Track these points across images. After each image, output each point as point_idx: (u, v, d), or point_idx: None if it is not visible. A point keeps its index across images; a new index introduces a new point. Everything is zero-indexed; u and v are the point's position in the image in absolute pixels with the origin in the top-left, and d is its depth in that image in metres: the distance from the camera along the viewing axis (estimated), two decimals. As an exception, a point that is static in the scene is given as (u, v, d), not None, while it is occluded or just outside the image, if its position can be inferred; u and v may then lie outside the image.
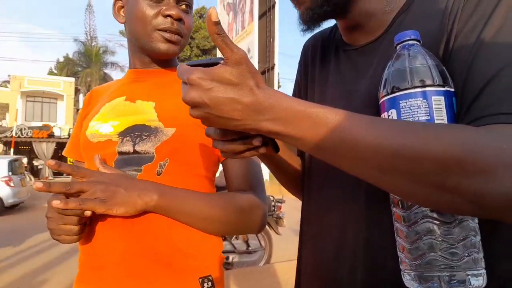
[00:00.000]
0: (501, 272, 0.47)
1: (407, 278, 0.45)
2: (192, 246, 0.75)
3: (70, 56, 29.27)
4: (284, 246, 4.88)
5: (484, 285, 0.42)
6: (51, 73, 31.18)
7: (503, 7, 0.46)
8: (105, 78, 28.48)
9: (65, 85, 24.71)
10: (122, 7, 0.87)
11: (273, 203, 3.85)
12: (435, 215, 0.43)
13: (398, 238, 0.47)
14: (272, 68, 9.86)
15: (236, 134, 0.49)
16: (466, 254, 0.42)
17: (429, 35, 0.51)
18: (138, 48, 0.85)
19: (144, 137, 0.76)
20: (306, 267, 0.68)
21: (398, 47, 0.49)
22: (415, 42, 0.49)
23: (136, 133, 0.76)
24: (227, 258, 3.50)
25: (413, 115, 0.45)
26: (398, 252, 0.47)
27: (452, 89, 0.46)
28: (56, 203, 0.62)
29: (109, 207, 0.66)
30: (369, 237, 0.54)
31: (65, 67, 28.88)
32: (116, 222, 0.71)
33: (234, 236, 3.62)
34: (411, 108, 0.45)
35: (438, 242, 0.42)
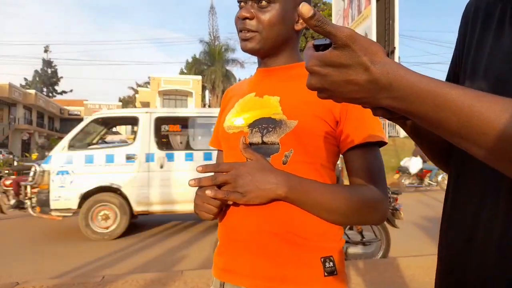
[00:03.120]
0: None
1: None
2: (316, 229, 0.80)
3: (197, 56, 32.38)
4: (404, 241, 4.62)
5: None
6: (181, 73, 35.05)
7: None
8: (227, 75, 30.68)
9: (193, 83, 27.53)
10: None
11: (389, 195, 3.66)
12: None
13: None
14: (392, 52, 9.22)
15: None
16: None
17: None
18: None
19: (270, 129, 0.83)
20: (441, 251, 0.63)
21: None
22: None
23: (264, 125, 0.84)
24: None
25: None
26: None
27: None
28: (208, 192, 0.78)
29: (247, 200, 0.78)
30: (504, 230, 0.48)
31: (193, 67, 32.07)
32: (252, 205, 0.81)
33: (348, 227, 3.57)
34: None
35: None
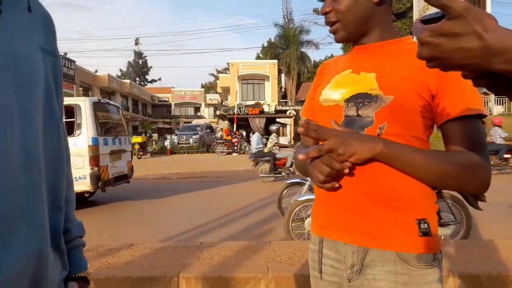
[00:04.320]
0: None
1: None
2: (411, 192, 0.84)
3: (272, 40, 32.49)
4: (490, 224, 4.47)
5: None
6: (258, 57, 35.51)
7: None
8: (302, 57, 30.30)
9: (270, 67, 27.80)
10: None
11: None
12: None
13: None
14: None
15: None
16: None
17: None
18: None
19: (366, 103, 0.87)
20: None
21: None
22: None
23: (359, 100, 0.88)
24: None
25: None
26: None
27: None
28: (301, 156, 0.85)
29: (342, 152, 0.81)
30: None
31: (269, 51, 32.27)
32: (350, 168, 0.85)
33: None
34: None
35: None
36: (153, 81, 51.01)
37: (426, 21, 0.47)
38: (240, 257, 3.15)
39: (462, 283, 2.67)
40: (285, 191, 4.87)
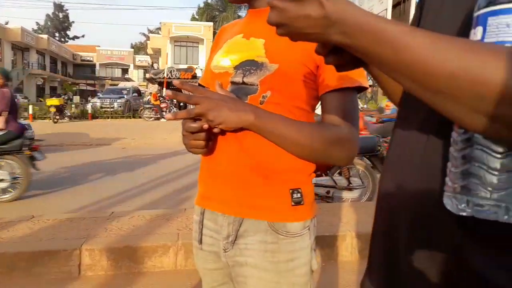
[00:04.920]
0: None
1: (445, 199, 0.46)
2: (285, 163, 0.85)
3: (209, 1, 31.31)
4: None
5: None
6: (193, 19, 34.13)
7: None
8: (239, 21, 29.73)
9: (205, 29, 26.94)
10: None
11: (378, 143, 3.86)
12: (486, 143, 0.40)
13: (449, 162, 0.45)
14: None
15: (332, 46, 0.50)
16: (507, 186, 0.39)
17: None
18: None
19: (252, 71, 0.86)
20: (381, 186, 0.67)
21: None
22: None
23: (247, 67, 0.87)
24: (328, 192, 3.74)
25: (498, 35, 0.39)
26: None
27: None
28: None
29: (212, 118, 0.79)
30: (430, 161, 0.52)
31: (205, 12, 31.19)
32: (229, 139, 0.86)
33: (337, 172, 3.83)
34: (498, 27, 0.39)
35: (483, 169, 0.40)
36: (75, 38, 46.90)
37: None
38: (151, 226, 3.05)
39: (359, 241, 2.91)
40: None
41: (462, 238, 0.48)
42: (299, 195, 0.86)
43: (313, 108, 0.91)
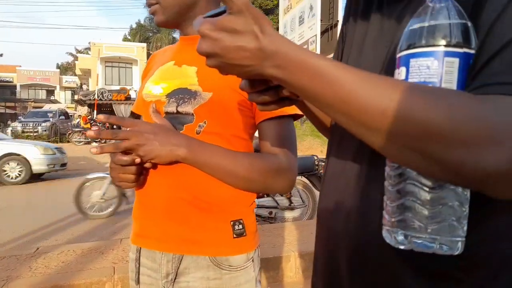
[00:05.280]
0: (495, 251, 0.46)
1: (384, 232, 0.47)
2: (223, 194, 0.82)
3: (142, 22, 30.78)
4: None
5: (457, 253, 0.42)
6: (125, 39, 33.20)
7: None
8: (174, 42, 29.56)
9: (138, 50, 26.26)
10: None
11: (316, 162, 4.01)
12: (417, 177, 0.42)
13: (385, 196, 0.47)
14: (335, 25, 9.42)
15: (263, 84, 0.50)
16: (440, 220, 0.41)
17: None
18: None
19: (186, 100, 0.83)
20: (319, 213, 0.69)
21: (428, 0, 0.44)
22: None
23: (180, 96, 0.84)
24: (270, 213, 3.78)
25: (420, 76, 0.42)
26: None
27: (473, 51, 0.41)
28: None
29: (143, 153, 0.76)
30: (367, 193, 0.54)
31: (138, 33, 30.53)
32: (163, 172, 0.81)
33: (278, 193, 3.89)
34: (420, 68, 0.42)
35: (417, 204, 0.42)
36: (-9, 56, 42.60)
37: (210, 16, 0.46)
38: (83, 260, 2.79)
39: (303, 261, 2.94)
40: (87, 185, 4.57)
41: (401, 267, 0.49)
42: (240, 226, 0.83)
43: (251, 137, 0.89)
